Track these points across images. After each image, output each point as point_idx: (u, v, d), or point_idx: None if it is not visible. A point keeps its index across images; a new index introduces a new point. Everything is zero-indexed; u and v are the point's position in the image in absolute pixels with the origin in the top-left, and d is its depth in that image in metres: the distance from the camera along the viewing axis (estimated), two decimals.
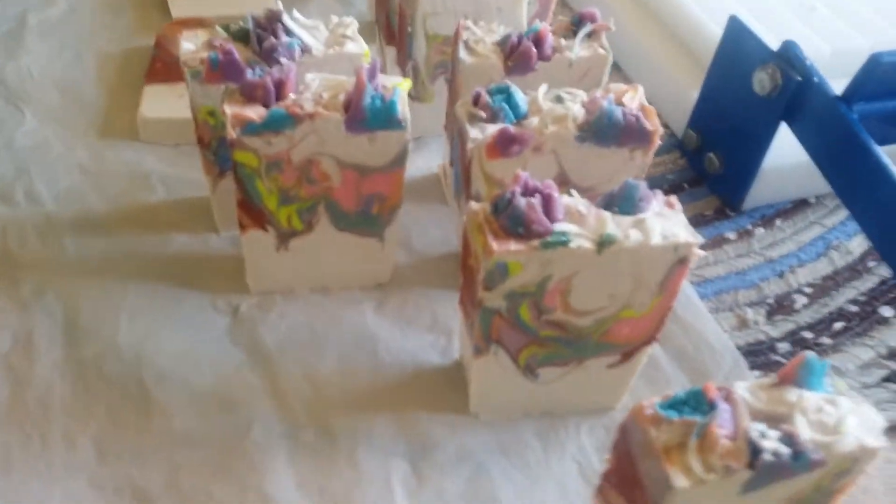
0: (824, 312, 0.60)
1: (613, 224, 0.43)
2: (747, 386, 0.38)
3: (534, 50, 0.55)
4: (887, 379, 0.56)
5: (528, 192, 0.43)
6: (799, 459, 0.35)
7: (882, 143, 0.57)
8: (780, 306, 0.60)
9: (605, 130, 0.50)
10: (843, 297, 0.61)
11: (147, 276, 0.55)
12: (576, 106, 0.51)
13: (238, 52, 0.51)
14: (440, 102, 0.64)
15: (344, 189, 0.51)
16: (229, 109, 0.47)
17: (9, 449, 0.46)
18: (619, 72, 0.79)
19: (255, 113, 0.47)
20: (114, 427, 0.47)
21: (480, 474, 0.47)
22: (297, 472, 0.46)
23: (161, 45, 0.70)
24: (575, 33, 0.56)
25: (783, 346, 0.57)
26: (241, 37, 0.52)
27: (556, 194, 0.43)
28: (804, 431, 0.36)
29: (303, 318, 0.54)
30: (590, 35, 0.57)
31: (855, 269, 0.63)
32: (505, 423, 0.50)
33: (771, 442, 0.35)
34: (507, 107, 0.50)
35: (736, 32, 0.63)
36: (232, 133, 0.47)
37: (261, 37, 0.51)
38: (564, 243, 0.42)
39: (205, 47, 0.51)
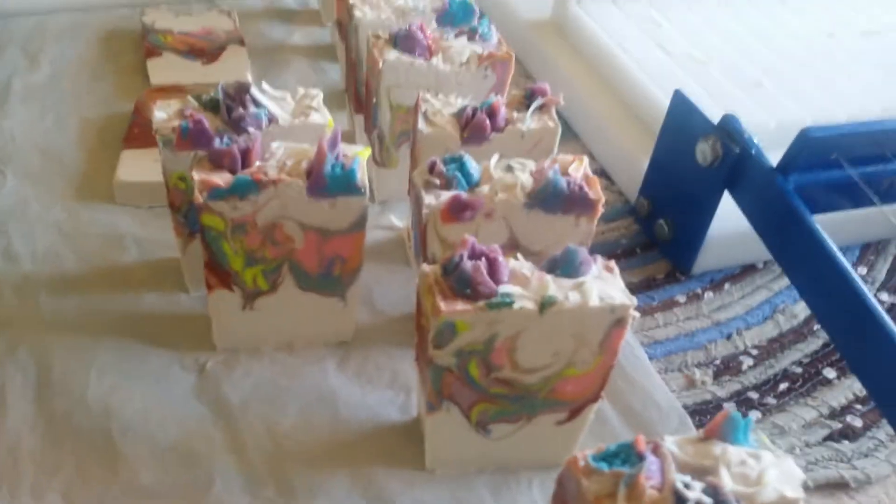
0: (769, 373, 0.63)
1: (555, 286, 0.46)
2: (675, 440, 0.40)
3: (488, 122, 0.58)
4: (828, 438, 0.59)
5: (475, 255, 0.45)
6: None
7: (819, 210, 0.60)
8: (727, 367, 0.63)
9: (551, 199, 0.53)
10: (788, 360, 0.64)
11: (118, 333, 0.57)
12: (524, 175, 0.54)
13: (208, 121, 0.54)
14: (405, 168, 0.67)
15: (307, 251, 0.54)
16: (197, 175, 0.50)
17: None
18: (576, 140, 0.83)
19: (221, 179, 0.50)
20: (81, 480, 0.49)
21: None
22: None
23: (139, 111, 0.73)
24: (527, 106, 0.60)
25: (729, 406, 0.60)
26: (212, 107, 0.55)
27: (500, 258, 0.46)
28: (728, 483, 0.38)
29: (266, 374, 0.56)
30: (541, 108, 0.60)
31: (800, 332, 0.66)
32: (460, 479, 0.52)
33: (695, 493, 0.37)
34: (460, 175, 0.53)
35: (680, 105, 0.67)
36: (199, 197, 0.49)
37: (230, 107, 0.54)
38: (509, 304, 0.45)
39: (176, 116, 0.54)
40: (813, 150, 0.60)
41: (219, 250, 0.52)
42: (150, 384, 0.54)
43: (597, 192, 0.54)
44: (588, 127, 0.82)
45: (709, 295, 0.69)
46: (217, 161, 0.50)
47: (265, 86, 0.57)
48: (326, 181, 0.51)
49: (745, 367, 0.63)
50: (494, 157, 0.55)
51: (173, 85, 0.77)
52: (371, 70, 0.65)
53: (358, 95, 0.73)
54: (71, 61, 0.82)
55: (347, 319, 0.58)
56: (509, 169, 0.55)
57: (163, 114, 0.55)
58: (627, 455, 0.39)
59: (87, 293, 0.60)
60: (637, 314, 0.47)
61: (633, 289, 0.68)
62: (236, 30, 0.86)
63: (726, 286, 0.70)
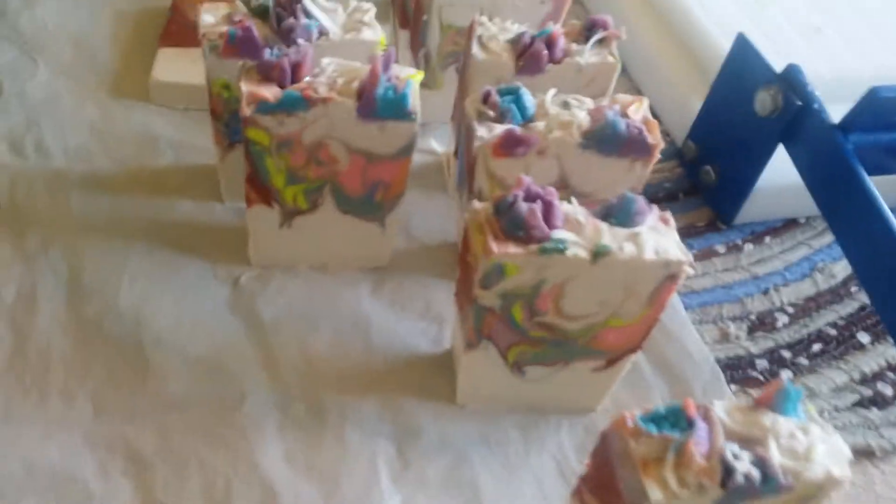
0: (804, 333, 0.62)
1: (609, 235, 0.44)
2: (725, 406, 0.39)
3: (545, 52, 0.55)
4: (857, 404, 0.58)
5: (531, 197, 0.44)
6: (768, 483, 0.37)
7: (875, 172, 0.58)
8: (762, 323, 0.62)
9: (608, 140, 0.51)
10: (823, 320, 0.63)
11: (150, 239, 0.56)
12: (581, 113, 0.52)
13: (256, 29, 0.51)
14: (449, 90, 0.65)
15: (350, 174, 0.52)
16: (245, 87, 0.48)
17: (8, 399, 0.47)
18: (625, 75, 0.80)
19: (269, 93, 0.48)
20: (110, 386, 0.49)
21: (462, 463, 0.49)
22: (286, 445, 0.48)
23: (177, 8, 0.70)
24: (587, 39, 0.57)
25: (761, 363, 0.59)
26: (261, 13, 0.53)
27: (556, 202, 0.44)
28: (775, 456, 0.38)
29: (301, 294, 0.55)
30: (601, 42, 0.58)
31: (837, 293, 0.65)
32: (488, 415, 0.52)
33: (743, 464, 0.37)
34: (515, 108, 0.51)
35: (742, 51, 0.64)
36: (246, 110, 0.47)
37: (280, 16, 0.52)
38: (561, 251, 0.43)
39: (224, 21, 0.52)
40: (879, 109, 0.57)
41: (262, 166, 0.51)
42: (182, 294, 0.54)
43: (656, 136, 0.52)
44: (640, 62, 0.78)
45: (748, 247, 0.67)
46: (266, 73, 0.48)
47: None
48: (378, 104, 0.49)
49: (780, 324, 0.62)
50: (551, 92, 0.53)
51: None
52: None
53: (405, 10, 0.70)
54: None
55: (385, 245, 0.57)
56: (566, 105, 0.52)
57: (210, 17, 0.52)
58: (677, 419, 0.38)
59: (120, 195, 0.58)
60: (692, 270, 0.46)
61: None
62: None
63: (766, 239, 0.68)
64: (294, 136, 0.49)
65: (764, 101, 0.61)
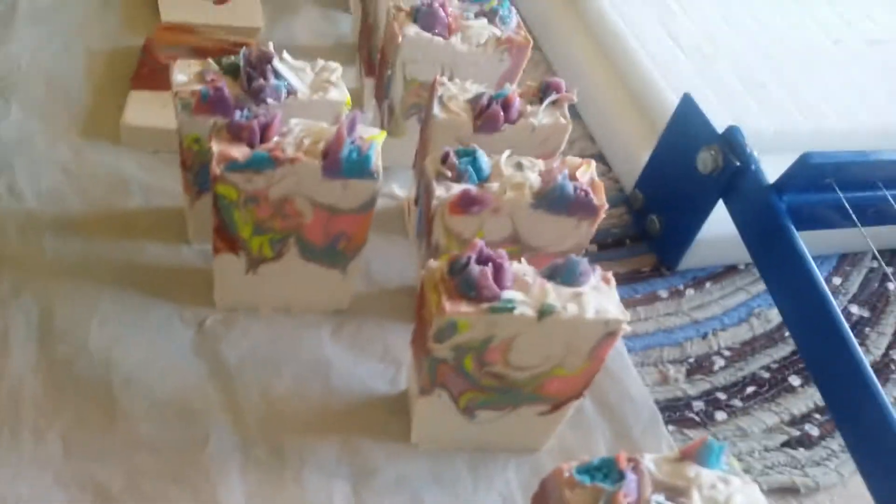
0: (739, 376, 0.66)
1: (554, 295, 0.48)
2: (653, 458, 0.43)
3: (501, 113, 0.59)
4: (786, 444, 0.62)
5: (482, 260, 0.47)
6: None
7: (806, 228, 0.63)
8: (700, 366, 0.66)
9: (557, 201, 0.55)
10: (758, 363, 0.67)
11: (120, 281, 0.58)
12: (533, 175, 0.55)
13: (228, 88, 0.54)
14: (411, 138, 0.68)
15: (314, 226, 0.55)
16: (216, 147, 0.50)
17: None
18: (580, 123, 0.84)
19: (239, 152, 0.51)
20: (80, 426, 0.51)
21: (415, 501, 0.52)
22: (247, 485, 0.50)
23: (149, 50, 0.73)
24: (541, 100, 0.61)
25: (698, 405, 0.63)
26: (232, 72, 0.56)
27: (506, 264, 0.48)
28: None
29: (264, 337, 0.58)
30: (554, 103, 0.61)
31: (771, 337, 0.70)
32: (441, 454, 0.55)
33: None
34: (471, 169, 0.54)
35: (687, 109, 0.68)
36: (216, 169, 0.50)
37: (251, 76, 0.55)
38: (510, 310, 0.47)
39: (196, 79, 0.55)
40: (811, 174, 0.62)
41: (229, 218, 0.53)
42: (150, 336, 0.56)
43: (601, 198, 0.56)
44: (593, 111, 0.83)
45: (690, 292, 0.71)
46: (236, 133, 0.51)
47: (286, 56, 0.57)
48: (342, 165, 0.52)
49: (716, 367, 0.66)
50: (506, 154, 0.56)
51: (183, 23, 0.77)
52: (389, 42, 0.65)
53: (371, 60, 0.73)
54: None
55: (345, 289, 0.60)
56: (519, 167, 0.56)
57: (183, 76, 0.55)
58: (609, 470, 0.42)
59: (91, 238, 0.61)
60: (628, 328, 0.49)
61: (619, 280, 0.69)
62: None
63: (707, 285, 0.72)
64: (261, 193, 0.52)
65: (706, 161, 0.66)
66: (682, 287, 0.72)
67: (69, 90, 0.71)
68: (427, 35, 0.64)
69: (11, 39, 0.73)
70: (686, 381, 0.65)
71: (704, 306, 0.71)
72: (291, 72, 0.57)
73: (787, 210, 0.62)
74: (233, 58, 0.56)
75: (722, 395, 0.64)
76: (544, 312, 0.47)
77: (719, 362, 0.67)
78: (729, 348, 0.68)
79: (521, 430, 0.55)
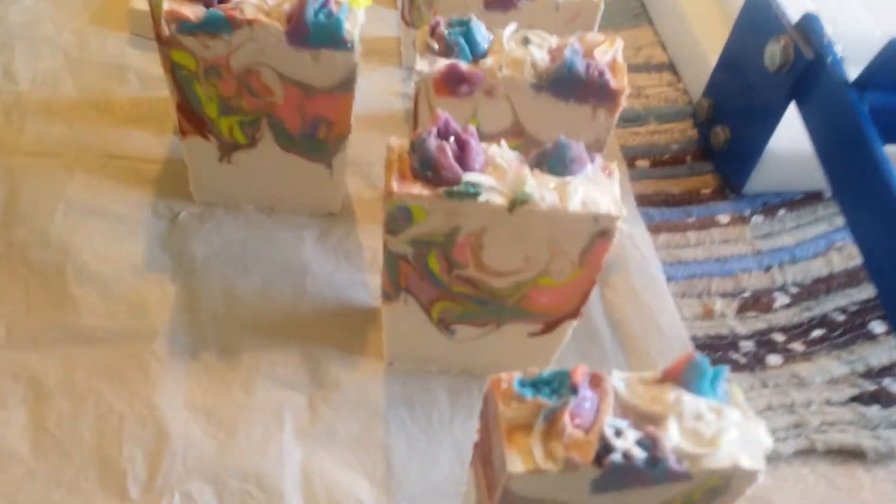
0: (805, 316, 0.55)
1: (533, 183, 0.39)
2: (625, 376, 0.34)
3: None
4: (856, 399, 0.51)
5: (444, 134, 0.39)
6: (656, 467, 0.32)
7: (890, 140, 0.51)
8: (756, 302, 0.55)
9: (563, 82, 0.46)
10: (832, 304, 0.56)
11: (96, 169, 0.54)
12: (540, 52, 0.47)
13: None
14: None
15: (287, 107, 0.48)
16: (167, 4, 0.45)
17: None
18: (648, 25, 0.73)
19: (192, 12, 0.45)
20: (25, 314, 0.47)
21: (377, 422, 0.45)
22: (188, 390, 0.45)
23: None
24: None
25: (746, 345, 0.53)
26: None
27: (473, 141, 0.40)
28: (672, 438, 0.32)
29: (239, 234, 0.52)
30: None
31: (853, 276, 0.57)
32: (418, 375, 0.48)
33: (625, 441, 0.32)
34: (463, 41, 0.46)
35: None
36: (165, 29, 0.45)
37: None
38: (472, 196, 0.39)
39: None
40: None
41: (191, 93, 0.48)
42: (115, 226, 0.52)
43: (621, 81, 0.46)
44: (663, 12, 0.72)
45: (757, 219, 0.60)
46: None
47: None
48: (308, 29, 0.45)
49: (777, 304, 0.55)
50: (510, 27, 0.47)
51: None
52: None
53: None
54: None
55: (333, 189, 0.53)
56: (525, 41, 0.47)
57: None
58: (561, 384, 0.33)
59: (75, 123, 0.57)
60: (625, 227, 0.40)
61: (672, 201, 0.60)
62: None
63: (780, 212, 0.61)
64: (221, 61, 0.46)
65: (773, 54, 0.54)
66: (747, 213, 0.61)
67: None
68: None
69: None
70: (736, 317, 0.54)
71: (773, 235, 0.59)
72: None
73: (870, 113, 0.50)
74: None
75: (779, 337, 0.54)
76: (517, 202, 0.39)
77: (782, 299, 0.56)
78: (797, 284, 0.57)
79: (510, 353, 0.47)
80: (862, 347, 0.54)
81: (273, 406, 0.45)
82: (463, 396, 0.47)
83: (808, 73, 0.53)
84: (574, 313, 0.44)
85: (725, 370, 0.35)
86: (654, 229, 0.58)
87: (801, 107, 0.54)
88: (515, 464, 0.32)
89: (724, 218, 0.60)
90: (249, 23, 0.45)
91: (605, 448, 0.32)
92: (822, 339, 0.54)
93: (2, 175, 0.53)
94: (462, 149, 0.39)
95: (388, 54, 0.66)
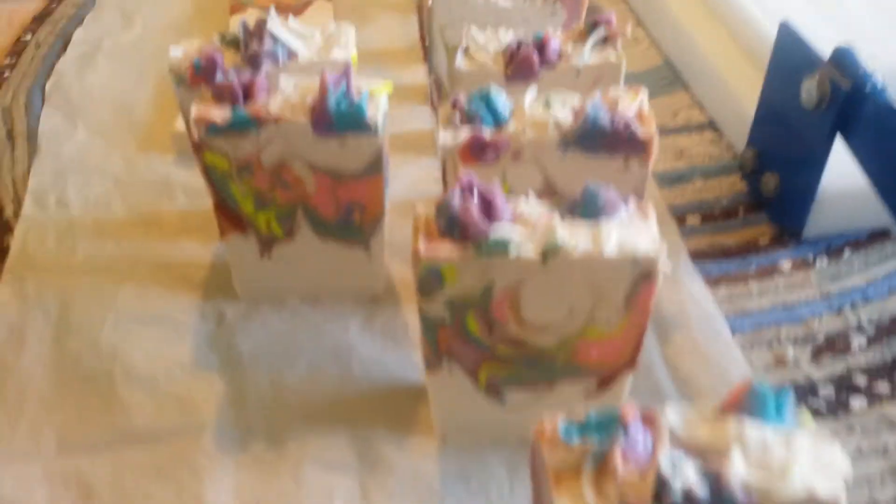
0: (888, 356, 0.51)
1: (564, 231, 0.38)
2: (681, 411, 0.32)
3: (536, 55, 0.51)
4: None
5: (469, 193, 0.39)
6: (723, 502, 0.29)
7: None
8: (831, 345, 0.52)
9: (589, 137, 0.45)
10: None
11: (145, 279, 0.55)
12: (563, 112, 0.46)
13: (228, 59, 0.51)
14: None
15: (321, 195, 0.49)
16: (195, 111, 0.46)
17: None
18: (685, 90, 0.73)
19: (219, 115, 0.46)
20: (77, 421, 0.47)
21: (432, 500, 0.43)
22: (237, 481, 0.44)
23: None
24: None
25: (826, 391, 0.49)
26: (233, 44, 0.52)
27: (499, 196, 0.39)
28: (737, 470, 0.30)
29: (284, 327, 0.52)
30: (604, 41, 0.52)
31: None
32: (472, 451, 0.46)
33: (684, 477, 0.29)
34: (485, 110, 0.46)
35: (786, 39, 0.56)
36: (195, 134, 0.46)
37: (248, 43, 0.51)
38: (502, 250, 0.38)
39: (196, 53, 0.52)
40: None
41: (226, 192, 0.49)
42: (163, 331, 0.52)
43: (649, 129, 0.45)
44: (698, 73, 0.72)
45: (821, 263, 0.57)
46: (218, 96, 0.47)
47: (292, 21, 0.53)
48: (332, 117, 0.46)
49: (855, 346, 0.52)
50: (531, 93, 0.48)
51: None
52: (423, 7, 0.60)
53: (425, 43, 0.68)
54: (162, 21, 0.82)
55: (375, 271, 0.53)
56: (547, 105, 0.47)
57: (180, 51, 0.52)
58: (609, 426, 0.31)
59: (125, 239, 0.58)
60: (668, 268, 0.38)
61: (730, 252, 0.58)
62: None
63: (846, 254, 0.58)
64: (252, 159, 0.47)
65: (810, 91, 0.53)
66: (811, 257, 0.58)
67: (133, 112, 0.71)
68: None
69: (89, 73, 0.75)
70: (811, 363, 0.51)
71: (841, 277, 0.56)
72: (294, 36, 0.52)
73: None
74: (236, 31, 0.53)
75: (861, 379, 0.50)
76: (548, 252, 0.38)
77: (859, 340, 0.52)
78: (874, 323, 0.53)
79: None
80: None
81: (324, 492, 0.43)
82: (522, 468, 0.45)
83: (848, 104, 0.51)
84: (629, 364, 0.42)
85: (790, 393, 0.32)
86: (713, 282, 0.56)
87: (848, 140, 0.52)
88: None
89: (786, 265, 0.57)
90: (275, 120, 0.46)
91: (663, 487, 0.29)
92: None
93: (54, 293, 0.54)
94: (488, 205, 0.39)
95: (424, 146, 0.67)
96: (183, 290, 0.55)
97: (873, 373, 0.50)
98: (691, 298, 0.54)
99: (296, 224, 0.50)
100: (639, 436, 0.30)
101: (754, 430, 0.31)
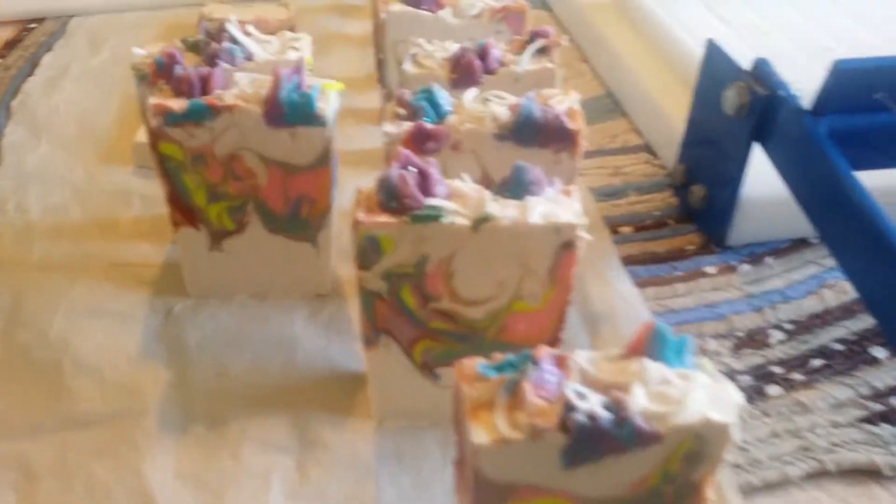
0: (802, 349, 0.54)
1: (494, 204, 0.42)
2: (589, 355, 0.35)
3: (478, 62, 0.55)
4: (864, 420, 0.50)
5: (405, 167, 0.42)
6: (623, 428, 0.32)
7: (865, 166, 0.52)
8: (751, 340, 0.55)
9: (523, 129, 0.49)
10: (829, 336, 0.55)
11: (98, 276, 0.57)
12: (500, 108, 0.50)
13: (188, 60, 0.54)
14: None
15: (271, 188, 0.52)
16: (152, 100, 0.49)
17: None
18: (623, 116, 0.77)
19: (176, 104, 0.49)
20: (23, 408, 0.49)
21: (368, 478, 0.45)
22: (178, 460, 0.45)
23: None
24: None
25: (744, 379, 0.52)
26: (195, 47, 0.55)
27: (434, 171, 0.42)
28: (639, 399, 0.32)
29: (232, 320, 0.54)
30: (542, 51, 0.57)
31: (848, 309, 0.57)
32: (409, 433, 0.47)
33: (589, 404, 0.32)
34: (427, 105, 0.50)
35: (713, 54, 0.60)
36: (153, 122, 0.49)
37: (207, 43, 0.54)
38: (436, 218, 0.41)
39: (157, 54, 0.55)
40: (849, 86, 0.52)
41: (180, 183, 0.51)
42: (114, 324, 0.54)
43: (577, 123, 0.49)
44: (633, 100, 0.76)
45: (745, 268, 0.61)
46: (176, 88, 0.50)
47: (251, 28, 0.57)
48: (283, 108, 0.49)
49: (772, 340, 0.55)
50: (471, 92, 0.51)
51: None
52: (376, 24, 0.64)
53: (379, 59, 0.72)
54: (130, 48, 0.85)
55: (322, 268, 0.55)
56: (485, 102, 0.51)
57: (143, 51, 0.55)
58: (523, 363, 0.34)
59: (81, 241, 0.60)
60: (588, 236, 0.41)
61: (657, 259, 0.61)
62: (289, 19, 0.87)
63: (767, 260, 0.62)
64: (206, 149, 0.50)
65: (731, 99, 0.57)
66: (735, 263, 0.61)
67: (97, 127, 0.73)
68: (412, 10, 0.62)
69: (55, 94, 0.78)
70: (731, 355, 0.54)
71: (762, 280, 0.60)
72: (256, 42, 0.56)
73: (831, 137, 0.52)
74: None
75: (777, 370, 0.53)
76: (480, 220, 0.41)
77: (777, 335, 0.55)
78: (792, 321, 0.56)
79: None
80: (865, 372, 0.53)
81: (262, 469, 0.45)
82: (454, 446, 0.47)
83: (766, 111, 0.55)
84: (553, 342, 0.45)
85: (692, 340, 0.35)
86: (642, 284, 0.59)
87: (766, 147, 0.56)
88: (480, 436, 0.32)
89: (711, 269, 0.61)
90: (230, 108, 0.49)
91: (569, 413, 0.32)
92: (822, 368, 0.53)
93: (7, 287, 0.56)
94: (424, 179, 0.42)
95: (375, 162, 0.70)
96: (134, 288, 0.57)
97: (789, 364, 0.53)
98: (620, 296, 0.57)
99: (246, 217, 0.53)
100: (549, 370, 0.33)
101: (656, 368, 0.34)
